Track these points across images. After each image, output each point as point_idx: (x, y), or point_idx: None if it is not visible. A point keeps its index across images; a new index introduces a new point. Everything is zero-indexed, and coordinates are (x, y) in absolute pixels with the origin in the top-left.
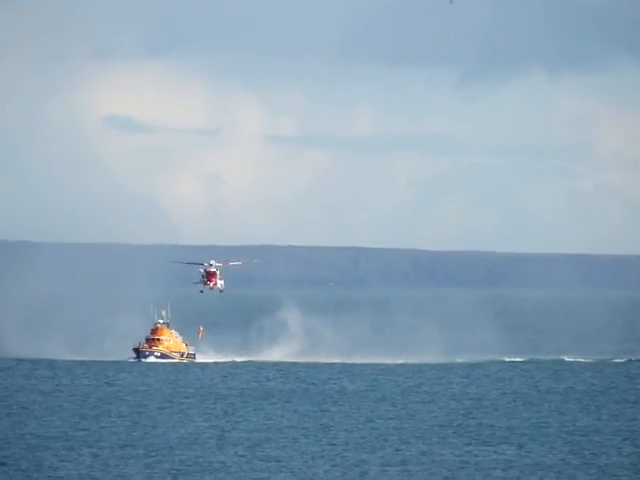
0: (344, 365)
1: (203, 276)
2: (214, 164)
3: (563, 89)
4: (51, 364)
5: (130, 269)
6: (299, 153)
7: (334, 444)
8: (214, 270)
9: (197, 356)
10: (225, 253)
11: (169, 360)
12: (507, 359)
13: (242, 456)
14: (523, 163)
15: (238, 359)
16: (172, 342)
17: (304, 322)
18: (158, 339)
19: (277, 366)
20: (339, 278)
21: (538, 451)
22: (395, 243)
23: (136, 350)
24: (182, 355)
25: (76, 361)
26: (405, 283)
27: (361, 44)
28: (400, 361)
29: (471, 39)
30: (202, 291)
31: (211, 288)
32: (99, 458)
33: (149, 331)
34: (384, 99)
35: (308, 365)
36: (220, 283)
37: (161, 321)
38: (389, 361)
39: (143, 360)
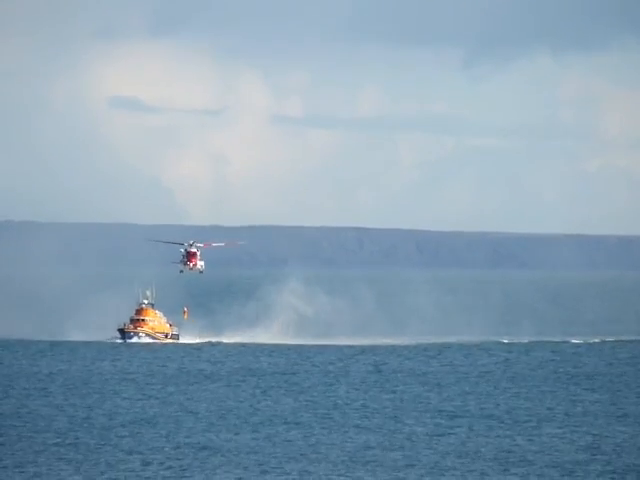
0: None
1: (183, 256)
2: (219, 144)
3: (568, 70)
4: (24, 345)
5: (131, 249)
6: (304, 133)
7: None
8: (194, 250)
9: (181, 337)
10: (230, 233)
11: (153, 341)
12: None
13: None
14: (528, 144)
15: (226, 340)
16: (157, 323)
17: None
18: (143, 320)
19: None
20: (344, 258)
21: None
22: (400, 224)
23: (121, 331)
24: (166, 336)
25: (55, 341)
26: (410, 264)
27: (367, 24)
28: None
29: (477, 19)
30: (182, 271)
31: (191, 269)
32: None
33: (134, 312)
34: (390, 80)
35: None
36: (200, 264)
37: (146, 301)
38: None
39: (128, 341)
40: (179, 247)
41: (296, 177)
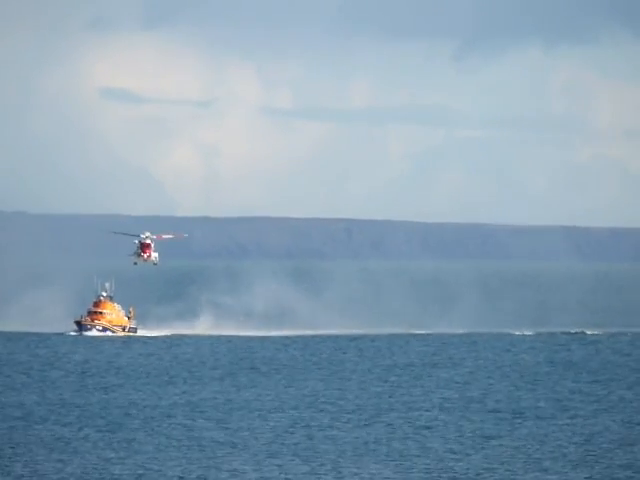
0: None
1: (138, 248)
2: (210, 136)
3: (559, 61)
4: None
5: (117, 240)
6: (295, 125)
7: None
8: (149, 242)
9: (139, 330)
10: (220, 224)
11: (111, 334)
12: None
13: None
14: (519, 135)
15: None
16: (114, 316)
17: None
18: (100, 312)
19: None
20: (333, 250)
21: None
22: (389, 215)
23: (78, 323)
24: (124, 329)
25: (19, 332)
26: (399, 255)
27: (358, 16)
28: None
29: (468, 11)
30: (136, 263)
31: (145, 260)
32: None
33: (91, 304)
34: (380, 71)
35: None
36: (154, 255)
37: (104, 294)
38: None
39: (85, 333)
40: (134, 239)
41: (286, 168)
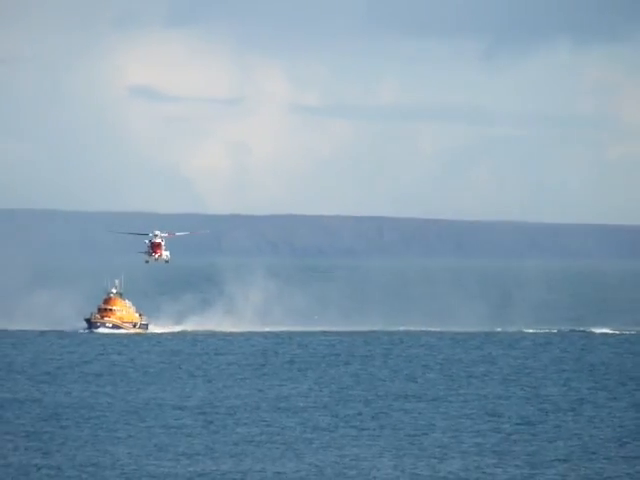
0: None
1: (148, 247)
2: (238, 133)
3: (588, 59)
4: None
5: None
6: (324, 123)
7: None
8: (159, 241)
9: (150, 327)
10: (249, 222)
11: (121, 331)
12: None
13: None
14: (548, 133)
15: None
16: (125, 312)
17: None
18: (110, 309)
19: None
20: (364, 248)
21: None
22: (420, 213)
23: (88, 320)
24: (135, 325)
25: (27, 330)
26: (430, 253)
27: (387, 14)
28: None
29: (498, 10)
30: (147, 261)
31: (156, 259)
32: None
33: (101, 301)
34: (409, 69)
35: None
36: (165, 254)
37: (114, 291)
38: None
39: (95, 331)
40: (144, 238)
41: (315, 166)
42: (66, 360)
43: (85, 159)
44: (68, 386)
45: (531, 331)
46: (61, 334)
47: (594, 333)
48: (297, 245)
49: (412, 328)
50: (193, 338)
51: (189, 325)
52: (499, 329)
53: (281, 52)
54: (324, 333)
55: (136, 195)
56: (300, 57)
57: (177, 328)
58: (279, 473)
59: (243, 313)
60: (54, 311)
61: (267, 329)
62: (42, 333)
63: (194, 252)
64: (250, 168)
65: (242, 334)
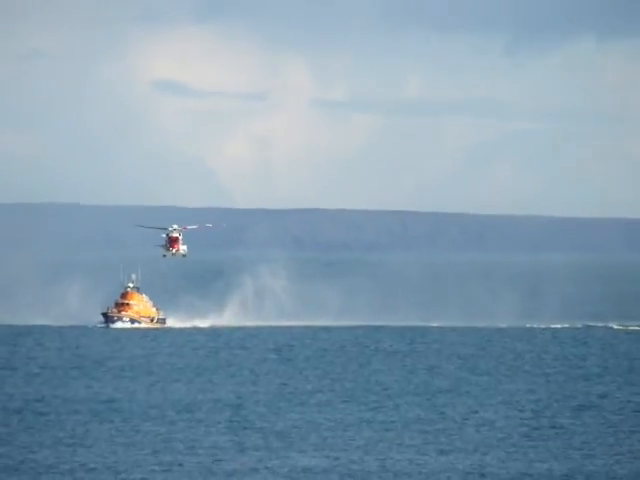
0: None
1: (166, 241)
2: (263, 128)
3: (612, 54)
4: (21, 329)
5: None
6: (348, 117)
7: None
8: (176, 236)
9: (167, 321)
10: (274, 216)
11: (138, 325)
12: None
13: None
14: (570, 128)
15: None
16: (142, 307)
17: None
18: (127, 304)
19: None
20: (388, 242)
21: None
22: (444, 207)
23: (104, 315)
24: (152, 320)
25: (43, 325)
26: (453, 247)
27: (411, 9)
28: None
29: (521, 5)
30: (165, 255)
31: (173, 254)
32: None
33: (118, 295)
34: (433, 64)
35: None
36: (183, 248)
37: (131, 285)
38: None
39: (111, 325)
40: (162, 232)
41: (340, 160)
42: (87, 354)
43: (111, 153)
44: (102, 381)
45: (566, 326)
46: (79, 329)
47: (626, 328)
48: (321, 239)
49: (444, 323)
50: (214, 332)
51: (208, 320)
52: (531, 325)
53: (306, 47)
54: (352, 327)
55: (161, 189)
56: (324, 52)
57: (195, 323)
58: (308, 468)
59: (264, 307)
60: (72, 305)
61: (289, 323)
62: (60, 328)
63: (218, 246)
64: (274, 162)
65: (262, 328)
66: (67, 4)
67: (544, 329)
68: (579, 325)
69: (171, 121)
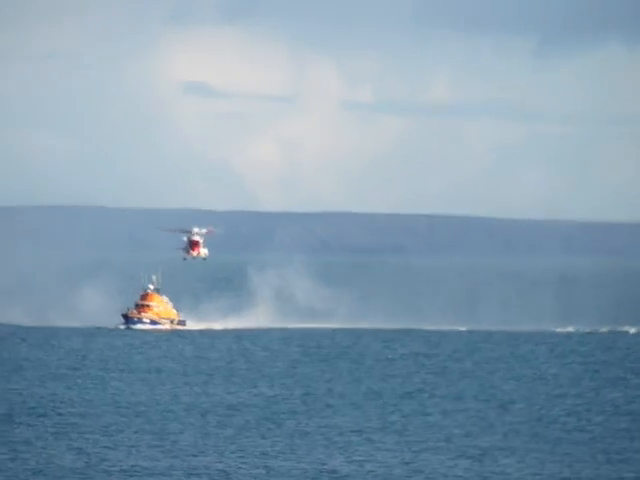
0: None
1: (187, 244)
2: (291, 130)
3: None
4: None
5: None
6: (376, 120)
7: None
8: (197, 239)
9: (188, 323)
10: (301, 220)
11: (158, 327)
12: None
13: None
14: (599, 131)
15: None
16: (162, 308)
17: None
18: (147, 305)
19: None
20: (414, 245)
21: None
22: (470, 210)
23: (125, 316)
24: (172, 322)
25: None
26: (480, 251)
27: (439, 10)
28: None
29: (549, 7)
30: (185, 259)
31: (194, 257)
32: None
33: (139, 297)
34: (461, 66)
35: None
36: (204, 251)
37: (151, 287)
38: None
39: (132, 327)
40: (182, 235)
41: (367, 163)
42: (113, 356)
43: (137, 156)
44: (130, 383)
45: (605, 330)
46: (100, 330)
47: None
48: (347, 242)
49: (480, 327)
50: (237, 335)
51: (229, 322)
52: (571, 328)
53: (333, 49)
54: (379, 330)
55: (187, 192)
56: (352, 54)
57: (217, 325)
58: (334, 471)
59: (287, 310)
60: (92, 307)
61: (313, 326)
62: (81, 329)
63: (244, 249)
64: (302, 165)
65: (285, 330)
66: (96, 5)
67: (575, 333)
68: (606, 329)
69: (197, 123)
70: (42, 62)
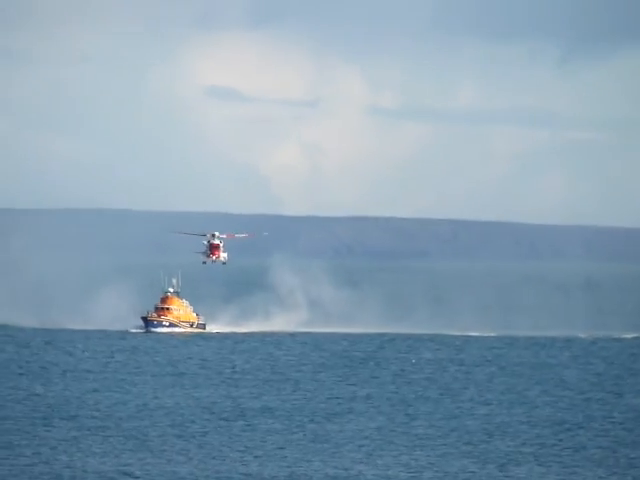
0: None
1: (207, 248)
2: (315, 135)
3: None
4: (56, 334)
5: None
6: (399, 125)
7: None
8: (217, 243)
9: (207, 327)
10: (325, 224)
11: (178, 330)
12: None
13: None
14: (623, 137)
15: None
16: (182, 311)
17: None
18: (167, 308)
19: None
20: (438, 250)
21: None
22: (494, 216)
23: (144, 319)
24: (192, 325)
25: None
26: (504, 256)
27: (463, 17)
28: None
29: (574, 14)
30: (204, 262)
31: (213, 261)
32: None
33: (159, 300)
34: (485, 73)
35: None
36: (223, 255)
37: (171, 290)
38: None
39: (152, 330)
40: (202, 239)
41: (391, 168)
42: (133, 360)
43: (163, 159)
44: (158, 386)
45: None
46: (120, 334)
47: None
48: (371, 247)
49: (507, 333)
50: (260, 338)
51: (251, 326)
52: (595, 334)
53: (358, 54)
54: (410, 336)
55: (213, 196)
56: (377, 59)
57: (236, 329)
58: (355, 476)
59: (311, 314)
60: (113, 311)
61: (335, 330)
62: (101, 332)
63: (266, 253)
64: (326, 170)
65: (305, 334)
66: (122, 8)
67: (615, 339)
68: (630, 335)
69: (222, 127)
70: (71, 67)
